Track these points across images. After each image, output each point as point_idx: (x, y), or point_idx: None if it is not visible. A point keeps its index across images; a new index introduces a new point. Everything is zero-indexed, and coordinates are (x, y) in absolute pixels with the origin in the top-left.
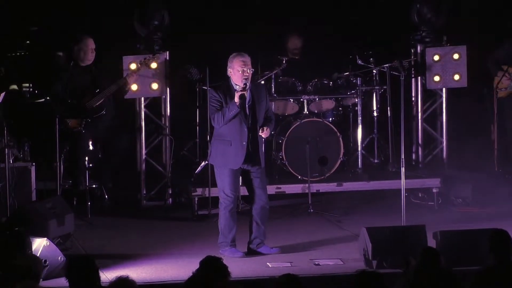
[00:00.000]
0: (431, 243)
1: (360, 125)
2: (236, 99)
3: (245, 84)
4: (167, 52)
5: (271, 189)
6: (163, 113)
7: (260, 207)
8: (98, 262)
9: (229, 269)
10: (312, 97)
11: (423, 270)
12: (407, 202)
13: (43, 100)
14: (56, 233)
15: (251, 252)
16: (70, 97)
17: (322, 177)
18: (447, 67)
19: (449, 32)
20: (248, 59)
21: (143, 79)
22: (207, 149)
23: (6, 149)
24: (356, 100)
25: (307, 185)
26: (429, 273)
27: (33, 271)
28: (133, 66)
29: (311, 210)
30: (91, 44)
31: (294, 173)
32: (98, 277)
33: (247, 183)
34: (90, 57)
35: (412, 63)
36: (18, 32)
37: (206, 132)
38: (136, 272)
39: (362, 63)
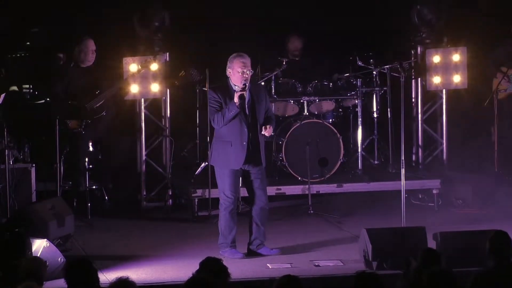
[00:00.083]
0: (431, 244)
1: (360, 126)
2: (236, 100)
3: (244, 84)
4: (167, 53)
5: (271, 190)
6: (163, 114)
7: (260, 208)
8: (98, 263)
9: (229, 270)
10: (312, 98)
11: (423, 271)
12: (407, 203)
13: (43, 101)
14: (56, 234)
15: (251, 253)
16: (70, 98)
17: (322, 178)
18: (447, 69)
19: (450, 33)
20: (248, 60)
21: (144, 80)
22: (207, 150)
23: (6, 150)
24: (356, 101)
25: (307, 186)
26: (430, 274)
27: (37, 274)
28: (133, 67)
29: (311, 211)
30: (91, 45)
31: (294, 174)
32: (97, 278)
33: (247, 184)
34: (90, 58)
35: (412, 64)
36: (19, 34)
37: (206, 133)
38: (136, 273)
39: (362, 64)
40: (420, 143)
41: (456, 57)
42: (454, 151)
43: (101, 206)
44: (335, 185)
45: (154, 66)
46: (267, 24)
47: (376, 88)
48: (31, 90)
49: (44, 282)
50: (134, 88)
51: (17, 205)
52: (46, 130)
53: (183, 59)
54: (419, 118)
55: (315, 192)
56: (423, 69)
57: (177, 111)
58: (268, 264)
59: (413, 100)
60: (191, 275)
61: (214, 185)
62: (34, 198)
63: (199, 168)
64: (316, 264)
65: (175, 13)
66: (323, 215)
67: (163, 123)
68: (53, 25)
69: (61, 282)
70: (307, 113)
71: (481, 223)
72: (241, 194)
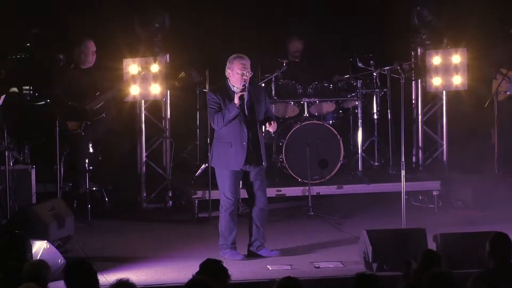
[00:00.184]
0: (431, 245)
1: (360, 128)
2: (236, 101)
3: (244, 85)
4: (168, 54)
5: (272, 192)
6: (163, 115)
7: (260, 209)
8: (98, 265)
9: (229, 272)
10: (312, 99)
11: (423, 272)
12: (407, 204)
13: (43, 102)
14: (56, 236)
15: (251, 255)
16: (70, 100)
17: (323, 180)
18: (447, 70)
19: (450, 34)
20: (248, 62)
21: (144, 81)
22: (207, 152)
23: (7, 152)
24: (357, 103)
25: (307, 187)
26: (430, 275)
27: (40, 277)
28: (133, 68)
29: (311, 213)
30: (91, 46)
31: (295, 176)
32: (97, 280)
33: (247, 185)
34: (90, 60)
35: (413, 65)
36: (19, 35)
37: (206, 134)
38: (136, 274)
39: (363, 66)
40: (420, 144)
41: (456, 59)
42: (454, 152)
43: (101, 207)
44: (335, 186)
45: (154, 68)
46: (267, 25)
47: (376, 90)
48: (31, 92)
49: None
50: (134, 90)
51: (17, 206)
52: (46, 132)
53: (183, 60)
54: (419, 120)
55: (315, 194)
56: (423, 71)
57: (177, 113)
58: (268, 266)
59: (413, 101)
60: (191, 277)
61: (214, 187)
62: (34, 200)
63: (199, 170)
64: (316, 265)
65: (175, 15)
66: (323, 216)
67: (163, 125)
68: (53, 26)
69: (61, 283)
70: (307, 115)
71: (481, 224)
72: (242, 196)
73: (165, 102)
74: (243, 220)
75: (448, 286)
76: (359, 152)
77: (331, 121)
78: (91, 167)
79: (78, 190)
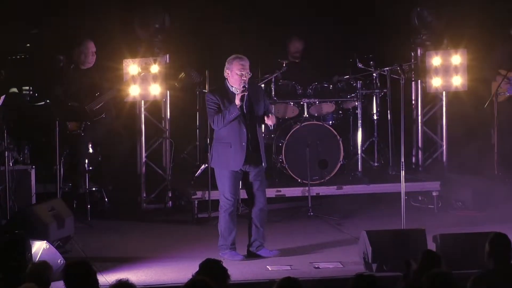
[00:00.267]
0: (431, 246)
1: (360, 128)
2: (238, 102)
3: (244, 87)
4: (167, 55)
5: (271, 192)
6: (163, 116)
7: (259, 209)
8: (98, 265)
9: (229, 272)
10: (312, 100)
11: (423, 273)
12: (407, 205)
13: (43, 103)
14: (56, 236)
15: (250, 255)
16: (70, 100)
17: (322, 180)
18: (447, 71)
19: (450, 35)
20: (247, 63)
21: (144, 82)
22: (207, 152)
23: (6, 152)
24: (356, 104)
25: (307, 188)
26: (429, 276)
27: (43, 277)
28: (133, 69)
29: (311, 213)
30: (91, 47)
31: (294, 176)
32: (96, 280)
33: (247, 185)
34: (90, 60)
35: (412, 66)
36: (19, 35)
37: (206, 135)
38: (136, 275)
39: (362, 66)
40: (420, 145)
41: (456, 59)
42: (454, 153)
43: (101, 208)
44: (335, 187)
45: (154, 68)
46: (267, 26)
47: (376, 90)
48: (31, 92)
49: None
50: (134, 90)
51: (16, 206)
52: (46, 132)
53: (183, 61)
54: (419, 120)
55: (315, 194)
56: (423, 71)
57: (177, 113)
58: (268, 266)
59: (413, 102)
60: (190, 277)
61: (214, 187)
62: (34, 200)
63: (199, 170)
64: (316, 266)
65: (175, 15)
66: (323, 217)
67: (163, 125)
68: (53, 26)
69: (61, 284)
70: (307, 115)
71: (481, 225)
72: (241, 196)
73: (165, 102)
74: (243, 221)
75: (447, 286)
76: (359, 152)
77: (331, 122)
78: (90, 168)
79: (77, 191)
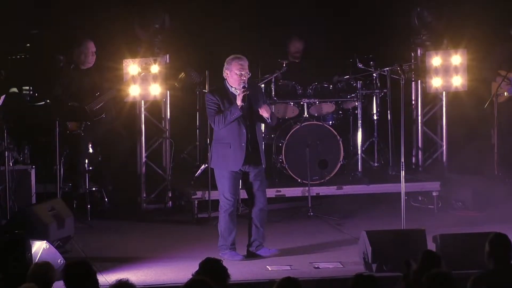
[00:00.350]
0: (431, 246)
1: (360, 129)
2: (239, 102)
3: (244, 87)
4: (167, 55)
5: (271, 192)
6: (163, 116)
7: (259, 209)
8: (97, 265)
9: (229, 272)
10: (312, 100)
11: (423, 273)
12: (407, 205)
13: (43, 103)
14: (56, 236)
15: (250, 255)
16: (70, 100)
17: (322, 181)
18: (447, 71)
19: (450, 35)
20: (246, 63)
21: (144, 82)
22: (207, 152)
23: (6, 152)
24: (356, 104)
25: (307, 188)
26: (429, 276)
27: (46, 278)
28: (133, 69)
29: (311, 213)
30: (91, 47)
31: (294, 176)
32: (96, 280)
33: (247, 185)
34: (90, 60)
35: (413, 66)
36: (19, 35)
37: (206, 135)
38: (136, 275)
39: (363, 67)
40: (420, 145)
41: (456, 59)
42: (454, 153)
43: (101, 208)
44: (335, 187)
45: (154, 68)
46: (267, 26)
47: (376, 90)
48: (31, 92)
49: None
50: (134, 90)
51: (16, 206)
52: (46, 132)
53: (183, 61)
54: (419, 121)
55: (315, 194)
56: (423, 72)
57: (177, 113)
58: (267, 266)
59: (413, 102)
60: (190, 277)
61: (214, 187)
62: (34, 200)
63: (199, 170)
64: (316, 266)
65: (175, 15)
66: (323, 217)
67: (163, 125)
68: (53, 26)
69: (60, 284)
70: (307, 115)
71: (481, 225)
72: (241, 196)
73: (165, 102)
74: (243, 221)
75: (447, 286)
76: (359, 152)
77: (331, 122)
78: (90, 168)
79: (77, 191)
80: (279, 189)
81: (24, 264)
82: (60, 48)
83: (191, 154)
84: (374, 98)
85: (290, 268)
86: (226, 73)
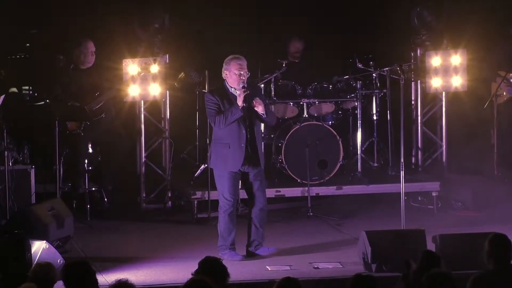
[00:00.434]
0: (431, 246)
1: (360, 129)
2: (240, 103)
3: (244, 87)
4: (167, 55)
5: (271, 193)
6: (163, 116)
7: (259, 209)
8: (97, 265)
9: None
10: (312, 100)
11: (422, 273)
12: (406, 205)
13: (42, 103)
14: (56, 236)
15: (250, 255)
16: (70, 100)
17: (322, 181)
18: (447, 71)
19: (450, 35)
20: (244, 62)
21: (143, 82)
22: (206, 152)
23: (6, 152)
24: (356, 104)
25: (306, 188)
26: (429, 276)
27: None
28: (133, 69)
29: (311, 214)
30: (91, 47)
31: (294, 177)
32: (96, 280)
33: (247, 185)
34: (90, 60)
35: (412, 66)
36: (19, 35)
37: (205, 135)
38: (135, 275)
39: (362, 67)
40: (419, 145)
41: (455, 60)
42: (454, 153)
43: (100, 208)
44: (335, 187)
45: (154, 68)
46: (267, 26)
47: (375, 91)
48: (31, 92)
49: None
50: (133, 90)
51: (16, 206)
52: (46, 132)
53: (183, 61)
54: (419, 121)
55: (314, 194)
56: (422, 72)
57: (177, 113)
58: (267, 266)
59: (413, 102)
60: (190, 277)
61: (214, 187)
62: (33, 200)
63: (199, 170)
64: (315, 266)
65: (175, 15)
66: (323, 217)
67: (163, 125)
68: (53, 26)
69: (60, 284)
70: (306, 115)
71: (481, 225)
72: (241, 196)
73: (165, 102)
74: (243, 221)
75: (447, 287)
76: (359, 153)
77: (330, 122)
78: (90, 168)
79: (77, 191)
80: (278, 189)
81: (24, 264)
82: (60, 48)
83: (191, 154)
84: (374, 98)
85: (289, 268)
86: (225, 74)
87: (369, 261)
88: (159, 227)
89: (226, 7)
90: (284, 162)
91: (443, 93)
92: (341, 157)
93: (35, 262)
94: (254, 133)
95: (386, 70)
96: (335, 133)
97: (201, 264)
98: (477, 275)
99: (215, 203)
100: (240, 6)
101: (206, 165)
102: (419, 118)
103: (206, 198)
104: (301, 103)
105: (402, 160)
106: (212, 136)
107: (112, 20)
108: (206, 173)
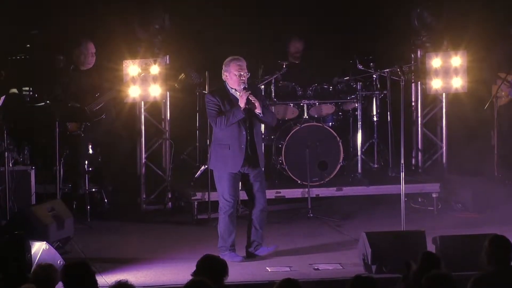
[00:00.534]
0: (431, 248)
1: (360, 130)
2: (242, 104)
3: (244, 87)
4: (168, 56)
5: (271, 194)
6: (163, 117)
7: (259, 210)
8: (97, 266)
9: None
10: (312, 101)
11: (423, 275)
12: (406, 207)
13: (43, 103)
14: (56, 237)
15: (249, 256)
16: (70, 101)
17: (322, 182)
18: (447, 72)
19: (450, 36)
20: (244, 63)
21: (144, 83)
22: (207, 153)
23: (6, 153)
24: (356, 105)
25: (306, 189)
26: (429, 278)
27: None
28: (133, 70)
29: (311, 215)
30: (91, 47)
31: (294, 178)
32: (95, 281)
33: (247, 186)
34: (90, 61)
35: (412, 68)
36: (19, 35)
37: (206, 136)
38: (135, 276)
39: (362, 68)
40: (419, 146)
41: (456, 61)
42: (454, 154)
43: (100, 208)
44: (335, 188)
45: (154, 69)
46: (267, 27)
47: (376, 92)
48: (31, 93)
49: None
50: (134, 91)
51: (16, 207)
52: (46, 133)
53: (183, 62)
54: (419, 122)
55: (314, 196)
56: (423, 73)
57: (177, 114)
58: (267, 267)
59: (413, 103)
60: (190, 278)
61: (214, 188)
62: (33, 201)
63: (199, 171)
64: (316, 267)
65: (175, 16)
66: (323, 218)
67: (163, 126)
68: (53, 27)
69: (59, 285)
70: (307, 117)
71: (481, 227)
72: (241, 197)
73: (165, 103)
74: (243, 222)
75: None
76: (359, 154)
77: (330, 123)
78: (90, 168)
79: (77, 191)
80: (278, 190)
81: (24, 265)
82: (60, 49)
83: (191, 155)
84: (374, 99)
85: (289, 270)
86: (225, 75)
87: (369, 262)
88: (159, 228)
89: (226, 7)
90: (284, 163)
91: (443, 94)
92: (341, 158)
93: (35, 263)
94: (254, 134)
95: (387, 71)
96: (335, 134)
97: (200, 262)
98: (477, 277)
99: (215, 204)
100: (240, 6)
101: (206, 166)
102: (419, 119)
103: (206, 199)
104: (302, 104)
105: (402, 161)
106: (212, 137)
107: (112, 20)
108: (206, 174)
